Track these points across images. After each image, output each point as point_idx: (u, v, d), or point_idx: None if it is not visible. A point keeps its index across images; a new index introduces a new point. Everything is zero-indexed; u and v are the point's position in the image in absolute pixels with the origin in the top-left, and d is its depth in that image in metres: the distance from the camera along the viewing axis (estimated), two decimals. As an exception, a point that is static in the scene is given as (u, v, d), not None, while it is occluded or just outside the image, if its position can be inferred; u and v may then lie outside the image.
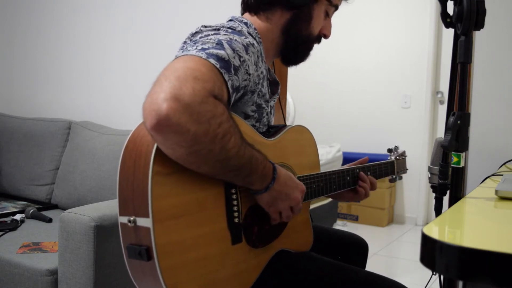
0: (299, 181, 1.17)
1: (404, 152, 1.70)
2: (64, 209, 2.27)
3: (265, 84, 1.21)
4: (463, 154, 1.04)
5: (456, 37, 1.08)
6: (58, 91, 2.92)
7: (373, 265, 1.92)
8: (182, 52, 1.02)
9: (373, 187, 1.48)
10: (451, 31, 1.10)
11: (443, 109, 4.35)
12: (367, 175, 1.47)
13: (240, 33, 1.12)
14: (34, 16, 3.00)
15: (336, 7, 1.32)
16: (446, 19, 1.08)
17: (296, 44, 1.28)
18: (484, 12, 1.01)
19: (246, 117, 1.17)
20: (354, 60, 4.67)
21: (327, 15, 1.30)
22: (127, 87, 2.65)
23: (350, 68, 4.70)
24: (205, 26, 1.13)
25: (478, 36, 1.98)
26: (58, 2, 2.91)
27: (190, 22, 2.45)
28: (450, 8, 1.07)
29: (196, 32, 1.11)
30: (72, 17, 2.85)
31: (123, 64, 2.67)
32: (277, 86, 1.34)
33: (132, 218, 0.94)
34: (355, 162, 1.50)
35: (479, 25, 1.02)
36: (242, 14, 1.30)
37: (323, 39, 1.33)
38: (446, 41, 4.34)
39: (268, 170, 1.05)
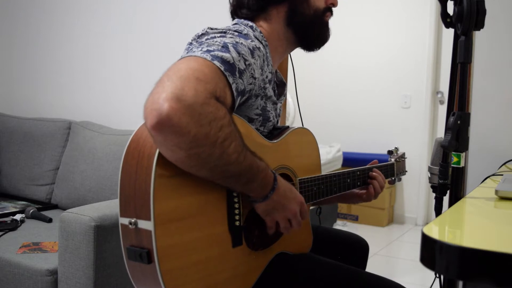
0: (299, 191, 1.16)
1: (403, 154, 1.70)
2: (64, 209, 2.27)
3: (270, 87, 1.20)
4: (463, 154, 1.04)
5: (456, 37, 1.08)
6: (58, 91, 2.92)
7: (373, 265, 1.92)
8: (187, 53, 1.02)
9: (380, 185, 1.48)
10: (451, 31, 1.10)
11: (443, 109, 4.35)
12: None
13: (246, 36, 1.10)
14: (34, 16, 3.00)
15: None
16: (446, 19, 1.09)
17: (307, 27, 1.25)
18: (484, 12, 1.01)
19: (250, 120, 1.15)
20: (354, 60, 4.67)
21: None
22: (127, 87, 2.65)
23: (350, 68, 4.69)
24: (211, 28, 1.11)
25: (478, 36, 1.98)
26: (58, 2, 2.90)
27: (190, 22, 2.45)
28: (450, 8, 1.07)
29: (202, 34, 1.10)
30: (72, 17, 2.85)
31: (123, 64, 2.67)
32: (283, 87, 1.33)
33: (133, 220, 0.93)
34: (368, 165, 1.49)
35: (479, 25, 1.02)
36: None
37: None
38: (446, 41, 4.34)
39: (268, 179, 1.03)
